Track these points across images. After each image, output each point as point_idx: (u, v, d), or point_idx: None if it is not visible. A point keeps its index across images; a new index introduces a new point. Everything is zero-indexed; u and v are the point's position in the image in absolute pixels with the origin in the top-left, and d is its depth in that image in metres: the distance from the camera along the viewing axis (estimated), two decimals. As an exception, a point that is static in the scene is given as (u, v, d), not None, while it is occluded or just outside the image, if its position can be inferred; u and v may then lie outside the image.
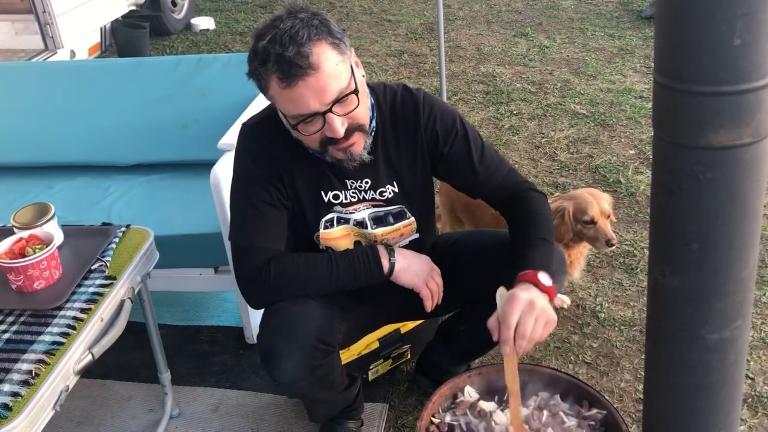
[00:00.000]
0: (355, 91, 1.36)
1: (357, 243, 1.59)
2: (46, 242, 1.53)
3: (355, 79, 1.37)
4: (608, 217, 2.02)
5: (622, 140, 3.45)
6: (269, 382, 2.06)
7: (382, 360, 2.01)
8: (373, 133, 1.51)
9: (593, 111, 3.79)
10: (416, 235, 1.64)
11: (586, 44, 4.88)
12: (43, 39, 4.02)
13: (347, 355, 1.89)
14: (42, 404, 1.24)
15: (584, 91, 4.06)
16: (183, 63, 2.58)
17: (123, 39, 5.14)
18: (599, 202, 2.01)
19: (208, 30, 5.92)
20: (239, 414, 1.99)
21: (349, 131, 1.39)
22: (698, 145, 0.94)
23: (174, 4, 5.83)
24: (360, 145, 1.44)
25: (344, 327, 1.63)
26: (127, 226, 1.73)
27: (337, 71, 1.32)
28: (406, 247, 1.62)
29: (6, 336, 1.37)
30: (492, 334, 1.35)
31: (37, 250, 1.49)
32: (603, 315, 2.26)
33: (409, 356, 2.06)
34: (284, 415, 1.97)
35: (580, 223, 2.00)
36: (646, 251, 2.33)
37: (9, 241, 1.52)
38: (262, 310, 1.54)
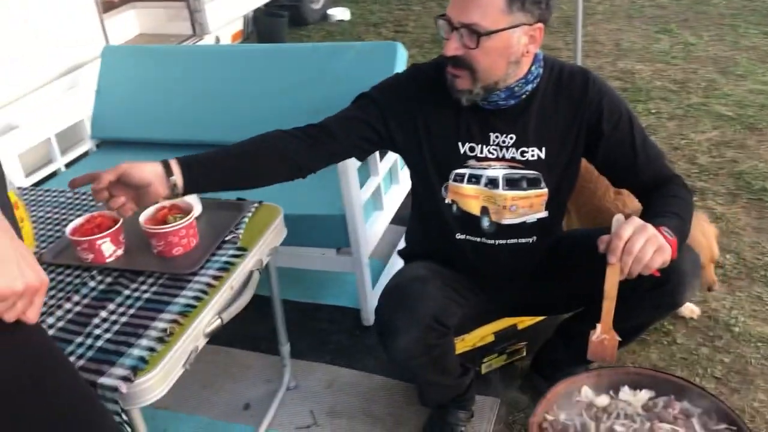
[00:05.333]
0: (484, 35, 1.36)
1: (483, 209, 1.57)
2: (186, 212, 1.63)
3: (498, 33, 1.36)
4: (714, 261, 1.91)
5: (772, 146, 3.20)
6: (383, 365, 2.09)
7: (496, 354, 1.98)
8: (525, 95, 1.50)
9: (740, 113, 3.53)
10: (545, 213, 1.59)
11: (737, 42, 4.55)
12: (192, 25, 4.29)
13: (461, 346, 1.88)
14: (174, 361, 1.32)
15: (731, 92, 3.79)
16: (318, 50, 2.66)
17: (263, 27, 5.37)
18: (710, 245, 1.89)
19: (343, 21, 6.06)
20: (352, 392, 2.03)
21: (459, 63, 1.41)
22: None
23: (314, -6, 6.02)
24: (463, 84, 1.45)
25: (460, 313, 1.62)
26: (260, 203, 1.81)
27: (489, 9, 1.34)
28: (533, 227, 1.58)
29: (146, 296, 1.48)
30: (599, 246, 1.31)
31: (177, 219, 1.59)
32: (738, 329, 2.11)
33: (524, 353, 2.02)
34: (395, 398, 1.99)
35: None
36: (794, 265, 2.15)
37: (153, 209, 1.63)
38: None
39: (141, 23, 4.47)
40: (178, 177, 1.41)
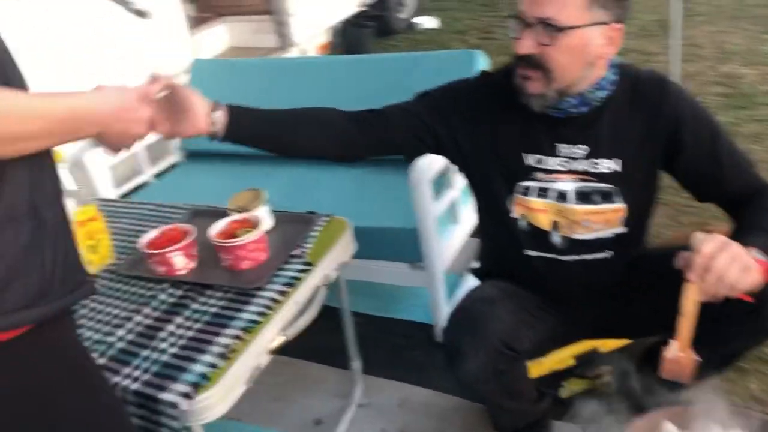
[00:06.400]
0: (562, 30, 1.28)
1: (554, 223, 1.48)
2: (255, 226, 1.63)
3: (576, 29, 1.28)
4: None
5: None
6: (457, 385, 2.02)
7: (576, 379, 1.87)
8: (597, 102, 1.40)
9: None
10: (623, 229, 1.48)
11: None
12: (278, 37, 4.37)
13: (538, 369, 1.79)
14: (235, 378, 1.31)
15: None
16: (398, 60, 2.63)
17: (349, 38, 5.41)
18: None
19: (430, 29, 6.02)
20: (424, 412, 1.97)
21: (532, 62, 1.33)
22: None
23: (400, 4, 6.01)
24: (536, 87, 1.36)
25: (533, 336, 1.53)
26: (329, 216, 1.78)
27: (568, 3, 1.27)
28: (609, 242, 1.47)
29: (212, 310, 1.48)
30: (677, 262, 1.20)
31: (246, 233, 1.58)
32: None
33: (607, 379, 1.90)
34: (469, 420, 1.92)
35: None
36: None
37: (223, 223, 1.64)
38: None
39: (231, 37, 4.61)
40: (221, 116, 1.39)
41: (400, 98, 2.49)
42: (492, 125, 1.46)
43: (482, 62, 2.41)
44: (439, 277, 2.10)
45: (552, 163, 1.44)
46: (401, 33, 6.02)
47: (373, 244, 2.03)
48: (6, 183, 0.87)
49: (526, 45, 1.32)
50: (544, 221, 1.48)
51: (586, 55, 1.32)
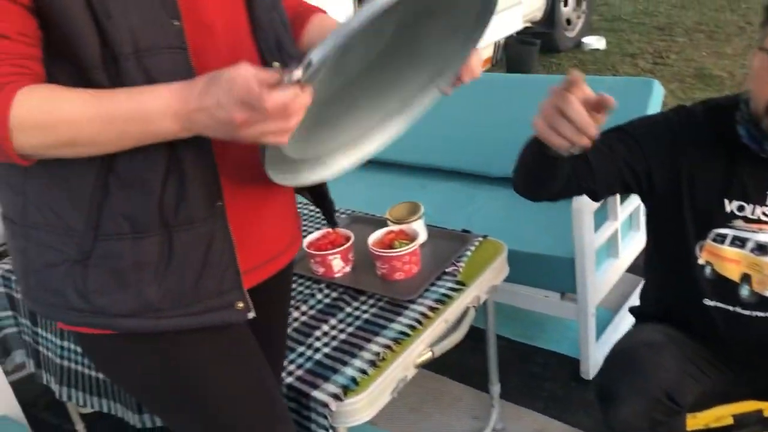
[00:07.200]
0: None
1: (744, 276, 1.35)
2: (411, 238, 1.66)
3: None
4: None
5: None
6: (598, 424, 1.93)
7: (734, 439, 1.73)
8: None
9: None
10: None
11: None
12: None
13: (692, 423, 1.67)
14: (382, 387, 1.34)
15: None
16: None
17: (513, 54, 5.36)
18: None
19: (597, 50, 5.83)
20: (560, 448, 1.91)
21: None
22: None
23: (568, 22, 5.88)
24: None
25: (698, 390, 1.43)
26: (484, 237, 1.78)
27: None
28: None
29: (365, 316, 1.52)
30: None
31: (402, 245, 1.62)
32: None
33: (770, 445, 1.74)
34: (608, 464, 1.83)
35: None
36: None
37: (381, 232, 1.69)
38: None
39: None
40: None
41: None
42: (691, 165, 1.35)
43: (659, 92, 2.30)
44: (591, 312, 2.02)
45: (757, 212, 1.33)
46: (566, 51, 5.88)
47: (525, 269, 2.00)
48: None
49: None
50: (733, 272, 1.36)
51: None
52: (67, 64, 0.82)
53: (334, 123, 1.02)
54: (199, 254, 0.93)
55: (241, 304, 0.98)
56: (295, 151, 0.95)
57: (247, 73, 0.76)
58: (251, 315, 1.00)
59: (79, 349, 1.74)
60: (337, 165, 1.07)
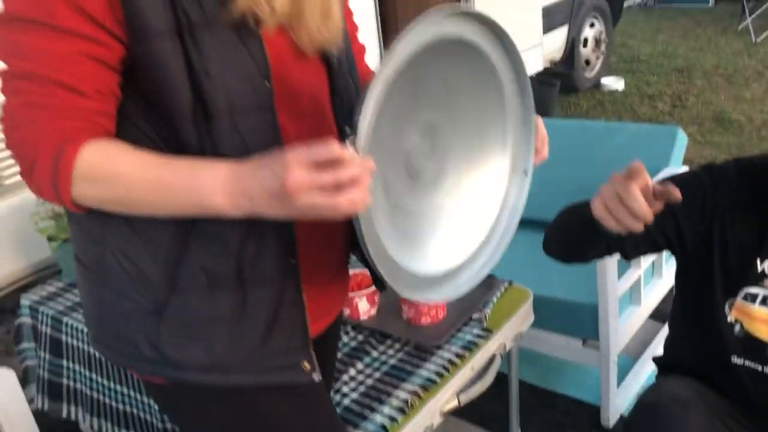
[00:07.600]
0: None
1: None
2: (438, 283, 1.67)
3: None
4: None
5: None
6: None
7: (758, 496, 1.71)
8: None
9: None
10: None
11: None
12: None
13: (716, 478, 1.66)
14: (410, 434, 1.35)
15: None
16: (590, 128, 2.60)
17: (534, 95, 5.39)
18: None
19: (616, 90, 5.87)
20: (581, 497, 1.90)
21: None
22: None
23: (587, 63, 5.93)
24: None
25: (726, 446, 1.43)
26: (510, 283, 1.79)
27: None
28: None
29: (392, 361, 1.54)
30: None
31: (430, 290, 1.63)
32: None
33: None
34: None
35: None
36: None
37: (409, 276, 1.71)
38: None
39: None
40: None
41: (589, 167, 2.48)
42: (723, 224, 1.36)
43: (682, 140, 2.33)
44: (613, 359, 2.02)
45: None
46: (585, 92, 5.93)
47: (548, 314, 2.01)
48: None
49: None
50: (764, 332, 1.37)
51: None
52: (156, 118, 0.84)
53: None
54: (271, 311, 0.93)
55: (307, 364, 0.98)
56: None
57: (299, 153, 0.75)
58: (317, 378, 0.99)
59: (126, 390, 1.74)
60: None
